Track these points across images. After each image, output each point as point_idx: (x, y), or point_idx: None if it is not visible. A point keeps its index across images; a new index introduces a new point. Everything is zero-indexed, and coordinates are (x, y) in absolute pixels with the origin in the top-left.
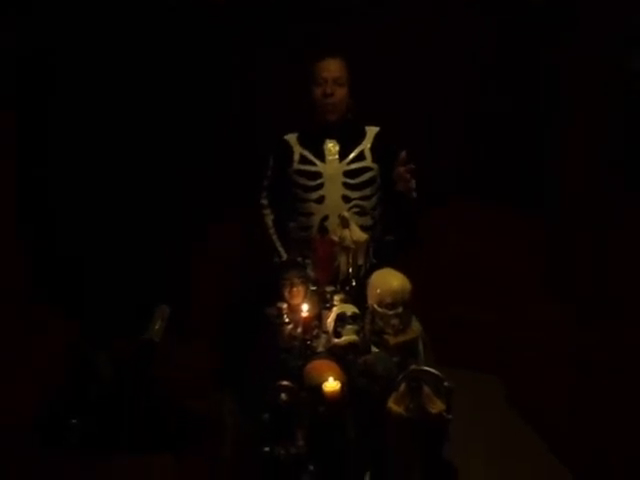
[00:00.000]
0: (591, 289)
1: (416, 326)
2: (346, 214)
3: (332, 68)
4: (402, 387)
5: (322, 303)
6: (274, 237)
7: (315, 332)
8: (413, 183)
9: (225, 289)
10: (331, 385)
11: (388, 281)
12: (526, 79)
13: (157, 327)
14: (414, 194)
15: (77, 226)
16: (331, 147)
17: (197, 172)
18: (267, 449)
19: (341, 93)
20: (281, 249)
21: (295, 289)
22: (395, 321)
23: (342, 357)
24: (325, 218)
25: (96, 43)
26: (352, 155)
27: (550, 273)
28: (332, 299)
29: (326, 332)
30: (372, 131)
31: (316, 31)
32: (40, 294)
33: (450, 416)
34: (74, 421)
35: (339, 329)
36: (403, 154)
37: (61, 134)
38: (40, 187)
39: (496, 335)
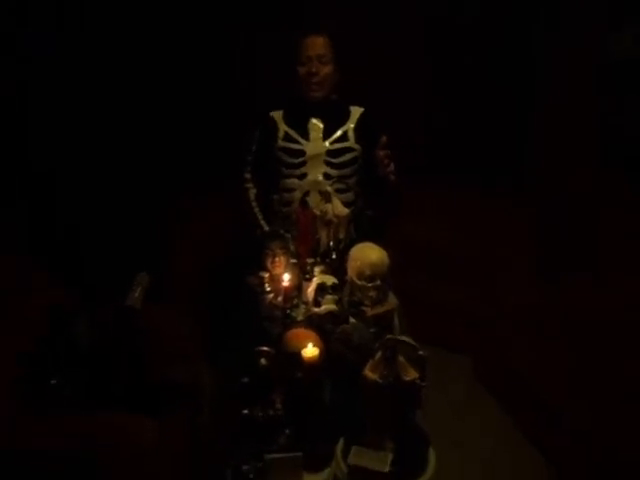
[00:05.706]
0: (578, 267)
1: (392, 300)
2: (329, 188)
3: (316, 46)
4: (378, 355)
5: (302, 274)
6: (256, 210)
7: (295, 302)
8: (392, 167)
9: (207, 257)
10: (310, 351)
11: (367, 254)
12: (514, 60)
13: (137, 295)
14: (392, 177)
15: (71, 195)
16: (316, 126)
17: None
18: (246, 411)
19: (325, 71)
20: (263, 222)
21: (277, 259)
22: (373, 293)
23: (321, 326)
24: (306, 193)
25: (95, 31)
26: (336, 135)
27: (537, 258)
28: (312, 271)
29: (305, 302)
30: (357, 112)
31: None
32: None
33: (424, 383)
34: (53, 382)
35: (319, 298)
36: (383, 139)
37: (60, 123)
38: (42, 181)
39: (479, 319)
